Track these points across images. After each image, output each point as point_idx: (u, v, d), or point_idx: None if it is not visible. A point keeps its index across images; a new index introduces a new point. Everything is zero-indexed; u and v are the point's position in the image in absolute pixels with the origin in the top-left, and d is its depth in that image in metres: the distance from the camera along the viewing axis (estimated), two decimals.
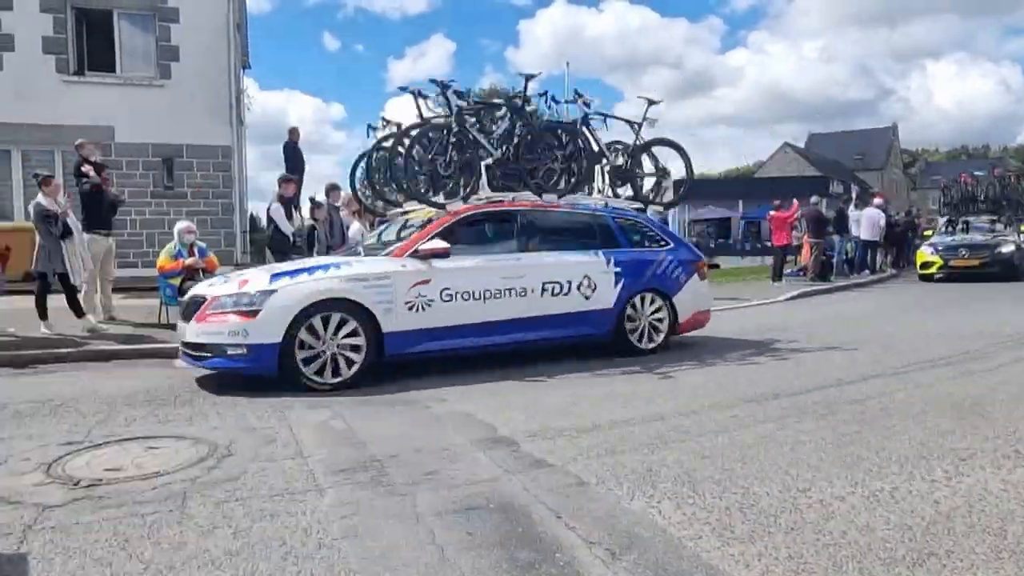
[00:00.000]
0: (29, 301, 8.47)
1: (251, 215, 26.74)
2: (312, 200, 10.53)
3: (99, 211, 9.18)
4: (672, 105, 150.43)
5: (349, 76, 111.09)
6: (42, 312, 8.33)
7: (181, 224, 9.39)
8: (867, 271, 18.96)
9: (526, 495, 3.51)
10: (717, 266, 20.76)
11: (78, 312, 8.53)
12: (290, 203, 9.81)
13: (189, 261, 8.92)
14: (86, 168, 9.36)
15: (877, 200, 20.76)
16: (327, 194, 10.33)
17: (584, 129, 8.00)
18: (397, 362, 6.53)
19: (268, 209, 9.87)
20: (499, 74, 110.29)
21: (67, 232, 8.28)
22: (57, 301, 8.41)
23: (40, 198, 8.37)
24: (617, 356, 7.45)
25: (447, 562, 2.81)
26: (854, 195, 20.76)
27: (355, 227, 10.15)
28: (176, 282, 8.90)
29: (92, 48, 14.95)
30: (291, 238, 9.55)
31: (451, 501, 3.45)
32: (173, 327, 8.82)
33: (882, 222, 18.95)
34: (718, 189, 44.60)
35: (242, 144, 18.57)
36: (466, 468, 3.95)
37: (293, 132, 13.82)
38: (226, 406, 5.42)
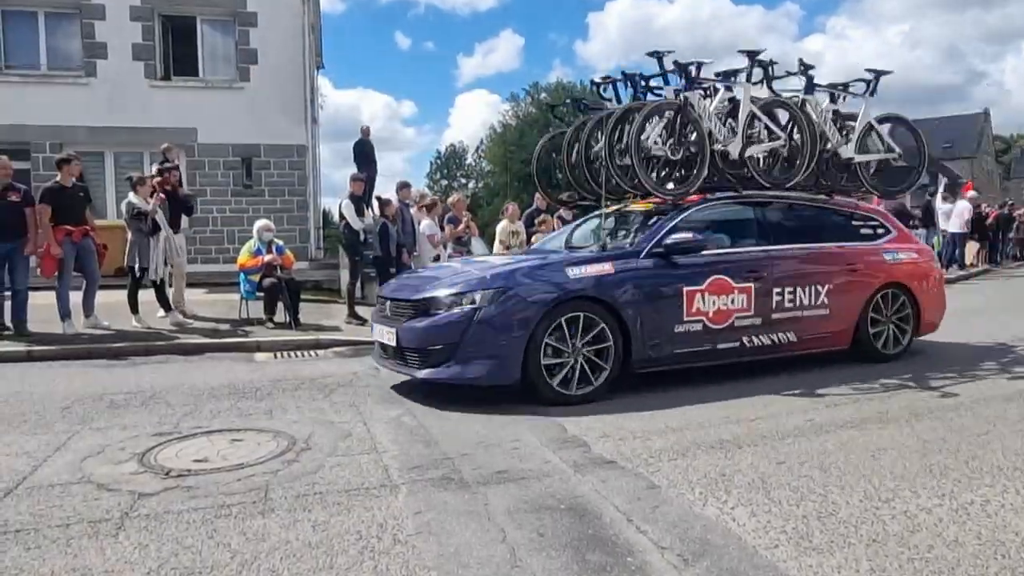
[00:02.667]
0: (122, 295, 8.95)
1: (324, 211, 27.52)
2: (379, 198, 10.76)
3: (171, 211, 9.56)
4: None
5: (419, 73, 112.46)
6: (133, 306, 8.80)
7: (260, 222, 9.73)
8: (956, 266, 18.07)
9: (596, 496, 3.51)
10: None
11: (165, 306, 8.98)
12: (360, 200, 10.05)
13: (268, 258, 9.24)
14: (155, 169, 9.80)
15: (970, 192, 19.71)
16: (397, 191, 10.53)
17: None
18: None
19: (340, 206, 10.14)
20: (567, 68, 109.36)
21: (156, 229, 8.72)
22: (146, 295, 8.88)
23: (132, 197, 8.84)
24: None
25: (519, 562, 2.84)
26: (941, 187, 19.71)
27: (425, 223, 10.31)
28: (255, 278, 9.24)
29: (177, 54, 15.63)
30: (362, 235, 9.79)
31: (522, 500, 3.48)
32: (252, 322, 9.21)
33: (967, 214, 18.01)
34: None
35: (315, 142, 19.10)
36: (536, 467, 3.97)
37: (365, 130, 14.13)
38: (303, 400, 5.61)
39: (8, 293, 8.19)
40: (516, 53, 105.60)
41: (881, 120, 7.58)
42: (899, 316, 7.00)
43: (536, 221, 11.21)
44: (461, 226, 10.47)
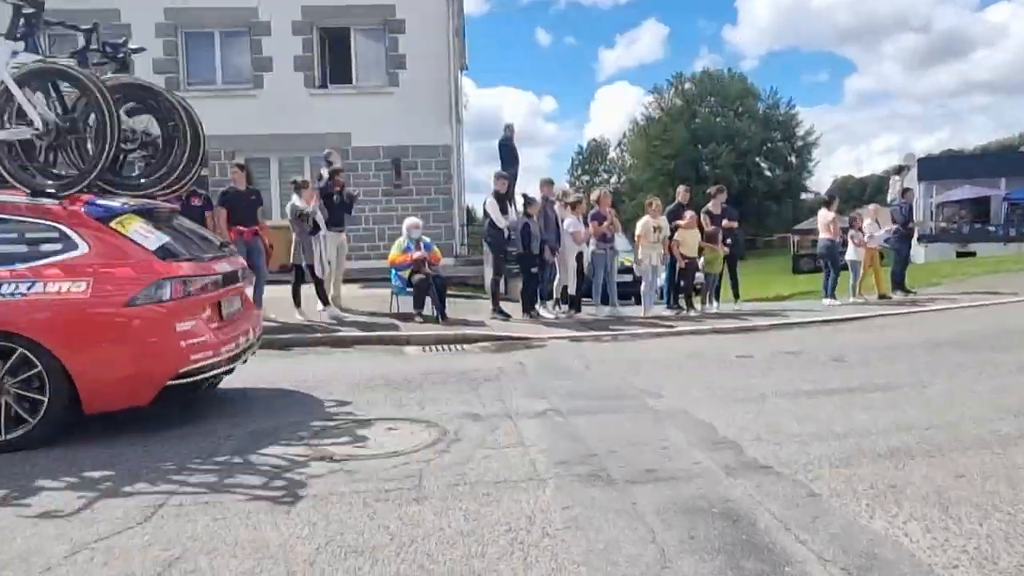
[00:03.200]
0: (285, 291, 9.67)
1: (468, 208, 28.30)
2: (524, 196, 10.89)
3: (334, 211, 10.18)
4: (916, 75, 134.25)
5: (560, 69, 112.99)
6: (297, 301, 9.50)
7: (409, 220, 10.17)
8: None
9: (751, 501, 3.37)
10: (973, 254, 18.25)
11: (324, 301, 9.61)
12: (504, 198, 10.23)
13: (417, 255, 9.64)
14: (323, 172, 10.47)
15: None
16: (541, 188, 10.62)
17: None
18: None
19: (484, 204, 10.39)
20: (715, 55, 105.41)
21: (316, 229, 9.35)
22: (306, 290, 9.56)
23: (295, 200, 9.52)
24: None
25: (669, 563, 2.78)
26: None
27: (569, 220, 10.30)
28: (405, 274, 9.68)
29: (333, 63, 16.67)
30: (506, 232, 9.98)
31: (671, 501, 3.41)
32: (403, 316, 9.65)
33: None
34: (974, 166, 38.96)
35: (460, 142, 19.70)
36: (686, 468, 3.88)
37: (508, 128, 14.36)
38: (452, 393, 5.81)
39: None
40: (660, 43, 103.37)
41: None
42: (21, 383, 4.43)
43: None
44: (606, 223, 10.40)
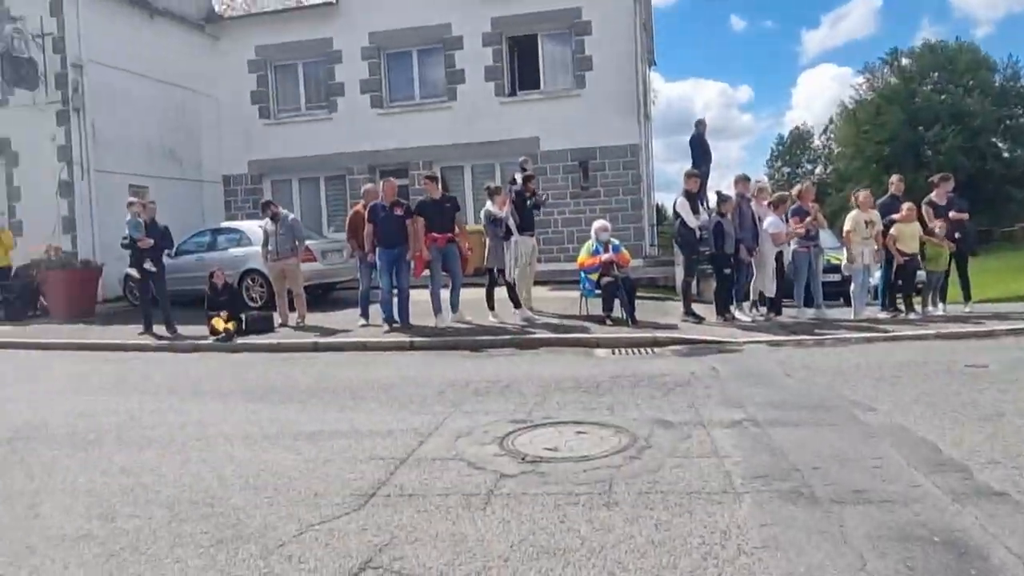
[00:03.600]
0: (479, 294, 10.11)
1: (657, 206, 27.79)
2: (718, 194, 10.49)
3: (525, 215, 10.44)
4: None
5: (757, 55, 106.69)
6: (490, 303, 9.90)
7: (598, 223, 10.20)
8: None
9: (982, 533, 2.99)
10: None
11: (516, 303, 9.91)
12: (695, 197, 9.92)
13: (605, 257, 9.64)
14: (517, 177, 10.79)
15: None
16: (736, 185, 10.15)
17: None
18: None
19: (674, 204, 10.14)
20: (938, 26, 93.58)
21: (509, 234, 9.68)
22: (499, 293, 9.91)
23: (489, 205, 9.93)
24: None
25: None
26: None
27: (770, 220, 9.73)
28: (594, 277, 9.72)
29: (521, 70, 17.17)
30: (697, 232, 9.67)
31: (885, 526, 3.12)
32: (592, 319, 9.70)
33: None
34: None
35: (648, 139, 19.42)
36: (902, 491, 3.52)
37: (700, 124, 13.94)
38: (643, 398, 5.74)
39: (395, 292, 9.77)
40: (871, 17, 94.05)
41: None
42: None
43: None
44: (809, 219, 9.68)
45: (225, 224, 14.56)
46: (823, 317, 9.64)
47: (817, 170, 63.10)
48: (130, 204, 10.58)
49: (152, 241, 10.23)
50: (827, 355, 7.60)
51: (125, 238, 10.36)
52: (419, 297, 9.84)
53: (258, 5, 18.01)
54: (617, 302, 9.54)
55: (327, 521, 3.48)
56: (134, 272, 10.45)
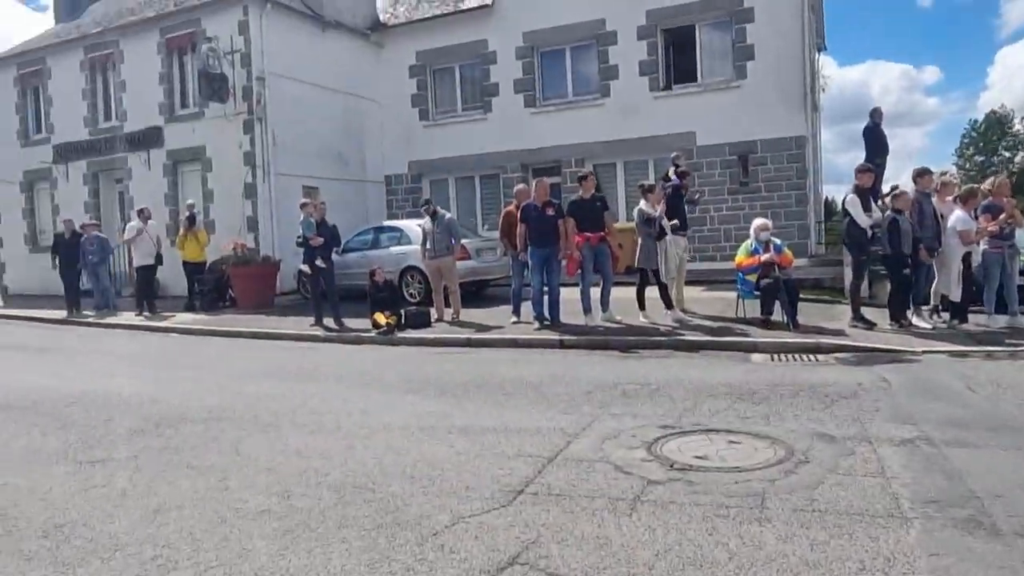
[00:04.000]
0: (629, 292, 10.01)
1: (826, 200, 26.03)
2: (893, 188, 9.68)
3: (679, 214, 10.18)
4: None
5: (946, 32, 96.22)
6: (641, 303, 9.78)
7: (757, 222, 9.76)
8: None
9: None
10: None
11: (668, 304, 9.73)
12: (868, 193, 9.21)
13: (765, 257, 9.20)
14: (670, 175, 10.55)
15: None
16: (914, 180, 9.32)
17: None
18: None
19: (844, 200, 9.48)
20: None
21: (662, 234, 9.51)
22: (650, 292, 9.76)
23: (642, 204, 9.81)
24: None
25: None
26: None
27: (957, 215, 8.82)
28: (753, 277, 9.31)
29: (676, 63, 16.73)
30: (869, 231, 8.98)
31: None
32: (749, 321, 9.31)
33: None
34: None
35: (816, 130, 18.27)
36: None
37: (875, 113, 12.92)
38: (802, 408, 5.44)
39: (546, 290, 9.90)
40: None
41: None
42: None
43: None
44: (1003, 216, 8.68)
45: (387, 223, 15.42)
46: (1018, 326, 8.63)
47: (1017, 158, 56.38)
48: (303, 205, 11.50)
49: (323, 239, 11.06)
50: (1020, 370, 6.82)
51: (299, 236, 11.28)
52: (569, 296, 9.91)
53: (419, 12, 18.89)
54: (777, 304, 9.08)
55: (477, 514, 3.62)
56: (306, 268, 11.35)
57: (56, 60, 19.15)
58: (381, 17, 19.37)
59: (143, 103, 17.54)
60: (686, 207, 10.32)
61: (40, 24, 19.89)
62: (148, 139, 17.47)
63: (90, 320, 13.74)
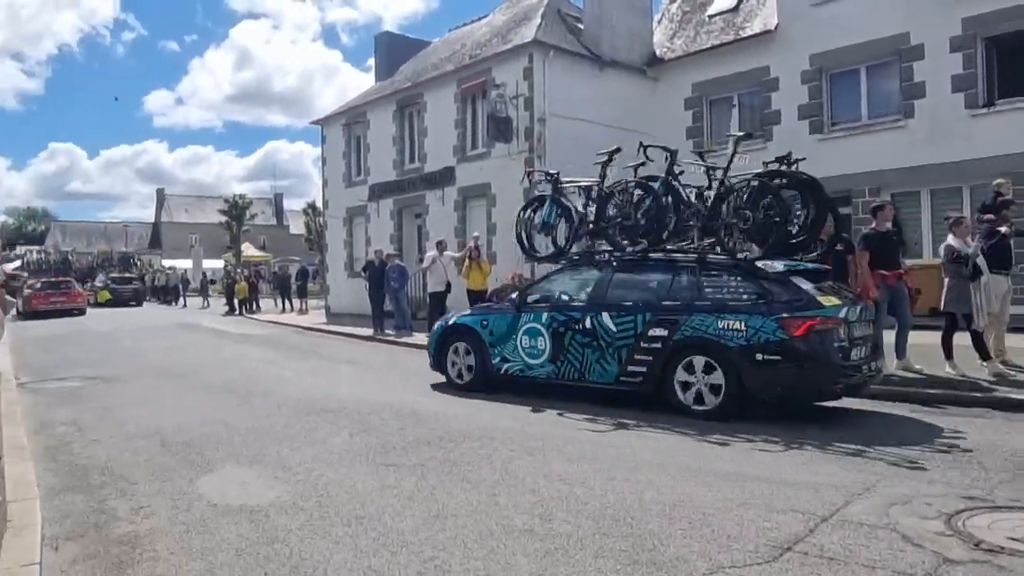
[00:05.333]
0: (933, 338, 8.77)
1: None
2: None
3: (1000, 250, 8.71)
4: None
5: None
6: (947, 351, 8.50)
7: None
8: None
9: None
10: None
11: (983, 355, 8.34)
12: None
13: None
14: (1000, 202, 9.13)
15: None
16: None
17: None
18: None
19: None
20: None
21: (977, 273, 8.20)
22: (959, 340, 8.45)
23: (950, 239, 8.58)
24: None
25: None
26: None
27: None
28: None
29: (1001, 76, 14.46)
30: None
31: None
32: None
33: None
34: None
35: None
36: None
37: None
38: None
39: None
40: None
41: None
42: None
43: None
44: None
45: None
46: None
47: None
48: None
49: None
50: None
51: None
52: None
53: (697, 43, 18.75)
54: None
55: (738, 567, 3.43)
56: None
57: (374, 112, 22.36)
58: (657, 52, 19.58)
59: (440, 146, 19.73)
60: (1009, 242, 8.81)
61: (366, 82, 23.73)
62: (443, 178, 19.56)
63: (391, 338, 15.61)
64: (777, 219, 7.22)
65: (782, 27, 16.66)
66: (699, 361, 6.91)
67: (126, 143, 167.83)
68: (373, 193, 22.19)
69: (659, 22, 21.07)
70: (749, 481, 4.78)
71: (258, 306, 26.95)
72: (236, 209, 57.34)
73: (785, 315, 6.59)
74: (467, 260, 15.35)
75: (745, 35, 17.53)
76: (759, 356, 6.59)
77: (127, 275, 40.60)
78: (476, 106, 19.11)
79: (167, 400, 8.60)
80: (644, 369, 7.26)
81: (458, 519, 4.20)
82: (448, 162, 19.49)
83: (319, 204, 31.07)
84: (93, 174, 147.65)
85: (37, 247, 67.00)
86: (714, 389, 6.81)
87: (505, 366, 8.43)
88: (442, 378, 9.15)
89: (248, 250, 55.50)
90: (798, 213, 7.45)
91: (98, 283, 37.46)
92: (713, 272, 7.31)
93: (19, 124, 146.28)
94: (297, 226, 66.94)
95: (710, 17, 19.44)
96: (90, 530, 4.23)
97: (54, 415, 7.81)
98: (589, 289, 8.15)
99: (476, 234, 16.62)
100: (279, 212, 77.80)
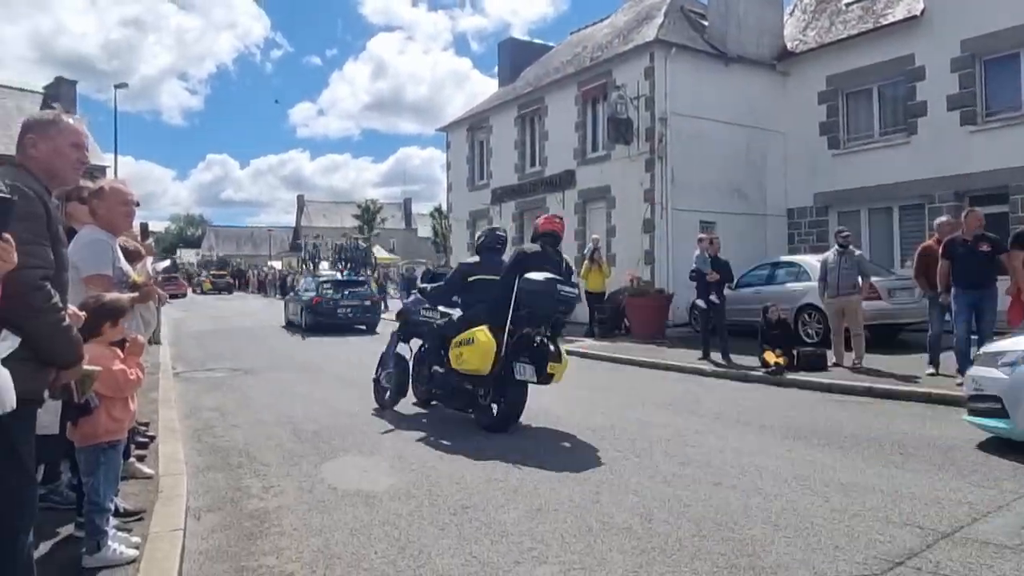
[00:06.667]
0: None
1: None
2: None
3: None
4: None
5: None
6: None
7: None
8: None
9: None
10: None
11: None
12: None
13: None
14: None
15: None
16: None
17: None
18: None
19: None
20: None
21: None
22: None
23: None
24: None
25: None
26: None
27: None
28: None
29: None
30: None
31: None
32: None
33: None
34: None
35: None
36: None
37: None
38: None
39: (975, 339, 8.34)
40: None
41: None
42: None
43: None
44: None
45: (784, 258, 14.75)
46: None
47: None
48: (700, 240, 11.69)
49: (718, 275, 11.11)
50: None
51: (693, 271, 11.49)
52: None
53: (832, 33, 17.80)
54: None
55: None
56: (701, 303, 11.48)
57: (496, 118, 22.84)
58: (789, 45, 18.77)
59: (560, 149, 19.86)
60: None
61: (494, 88, 24.35)
62: (563, 181, 19.67)
63: None
64: None
65: (929, 11, 15.50)
66: None
67: (272, 153, 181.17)
68: (495, 196, 22.67)
69: (791, 14, 20.21)
70: (865, 492, 4.56)
71: (386, 306, 28.25)
72: (368, 213, 60.33)
73: None
74: (586, 262, 15.38)
75: (887, 22, 16.45)
76: None
77: (221, 272, 58.17)
78: (596, 108, 19.09)
79: (299, 391, 9.24)
80: None
81: (559, 514, 4.29)
82: (568, 165, 19.60)
83: (445, 208, 32.12)
84: (244, 182, 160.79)
85: (195, 249, 76.33)
86: None
87: None
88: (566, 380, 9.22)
89: (379, 252, 58.28)
90: None
91: (202, 277, 57.25)
92: None
93: (183, 138, 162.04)
94: (425, 229, 69.54)
95: (847, 5, 18.42)
96: (227, 504, 4.67)
97: (202, 401, 8.60)
98: None
99: (595, 236, 16.62)
100: (408, 216, 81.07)
